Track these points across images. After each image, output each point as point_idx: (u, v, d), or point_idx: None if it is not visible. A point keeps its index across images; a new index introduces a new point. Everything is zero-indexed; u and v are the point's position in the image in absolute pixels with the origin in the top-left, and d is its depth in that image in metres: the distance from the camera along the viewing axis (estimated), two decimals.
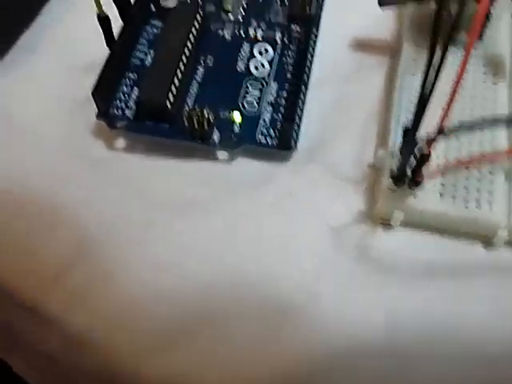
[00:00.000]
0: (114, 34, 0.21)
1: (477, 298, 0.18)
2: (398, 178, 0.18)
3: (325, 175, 0.20)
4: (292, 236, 0.19)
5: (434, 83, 0.14)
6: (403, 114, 0.20)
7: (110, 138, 0.21)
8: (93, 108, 0.20)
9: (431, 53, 0.14)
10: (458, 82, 0.14)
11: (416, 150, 0.17)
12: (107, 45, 0.20)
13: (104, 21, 0.19)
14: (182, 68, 0.21)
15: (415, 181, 0.18)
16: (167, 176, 0.21)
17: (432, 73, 0.14)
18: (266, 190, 0.20)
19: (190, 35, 0.22)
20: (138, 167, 0.21)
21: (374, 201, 0.20)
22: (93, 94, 0.20)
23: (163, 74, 0.20)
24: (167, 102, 0.20)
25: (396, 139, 0.19)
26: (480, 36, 0.21)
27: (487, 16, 0.21)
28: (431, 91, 0.14)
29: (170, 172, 0.21)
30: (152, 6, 0.24)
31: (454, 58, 0.16)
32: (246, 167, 0.21)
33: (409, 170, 0.18)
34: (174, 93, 0.20)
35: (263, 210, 0.20)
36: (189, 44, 0.22)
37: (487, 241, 0.19)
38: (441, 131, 0.16)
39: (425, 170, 0.18)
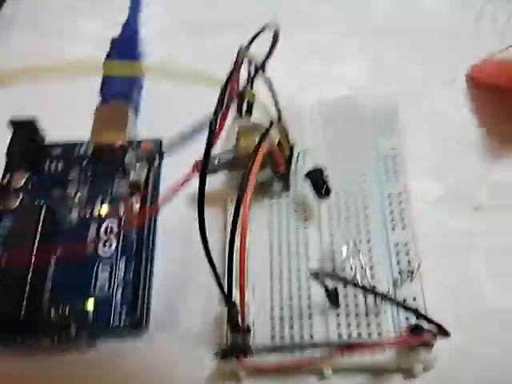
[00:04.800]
0: None
1: None
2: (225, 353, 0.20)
3: (177, 340, 0.23)
4: None
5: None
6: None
7: None
8: None
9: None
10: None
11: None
12: None
13: None
14: (31, 274, 0.23)
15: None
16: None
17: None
18: (122, 368, 0.23)
19: (37, 232, 0.24)
20: None
21: None
22: None
23: (14, 285, 0.23)
24: (21, 312, 0.22)
25: None
26: (287, 188, 0.25)
27: (289, 171, 0.24)
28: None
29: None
30: None
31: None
32: (106, 349, 0.23)
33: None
34: (26, 300, 0.22)
35: None
36: (36, 242, 0.24)
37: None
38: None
39: None
